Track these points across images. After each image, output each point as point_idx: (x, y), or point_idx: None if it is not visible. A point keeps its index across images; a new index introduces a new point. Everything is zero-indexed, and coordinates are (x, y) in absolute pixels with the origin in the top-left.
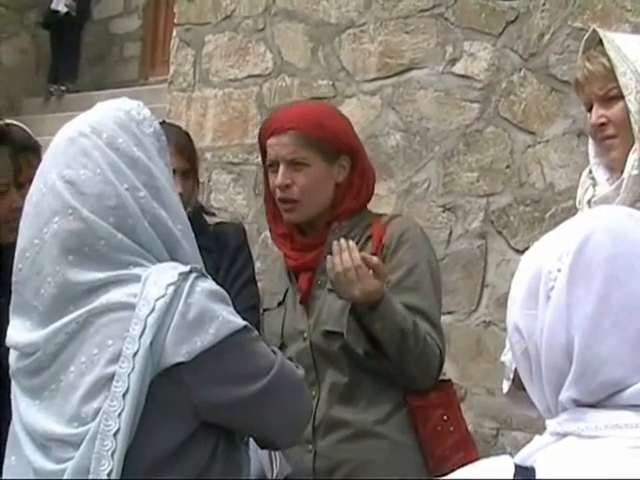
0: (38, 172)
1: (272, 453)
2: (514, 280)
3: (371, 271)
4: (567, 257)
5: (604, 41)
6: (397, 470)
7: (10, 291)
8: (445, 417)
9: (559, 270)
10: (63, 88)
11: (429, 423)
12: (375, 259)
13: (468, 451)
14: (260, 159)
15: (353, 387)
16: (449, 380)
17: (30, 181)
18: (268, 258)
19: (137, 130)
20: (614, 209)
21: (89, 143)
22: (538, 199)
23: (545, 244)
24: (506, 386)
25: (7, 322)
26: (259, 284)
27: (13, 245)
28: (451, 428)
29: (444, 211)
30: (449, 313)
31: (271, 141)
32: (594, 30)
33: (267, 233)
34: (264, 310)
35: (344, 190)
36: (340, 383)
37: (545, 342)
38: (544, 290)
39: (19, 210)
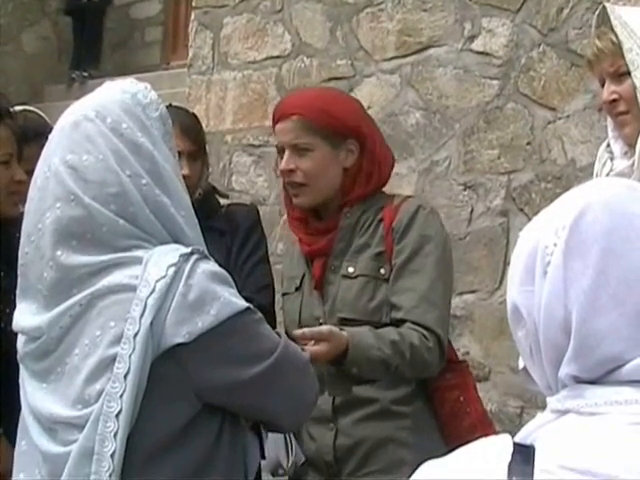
0: (43, 155)
1: (288, 442)
2: (512, 257)
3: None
4: (563, 231)
5: (611, 17)
6: (417, 449)
7: (9, 265)
8: (461, 398)
9: (555, 245)
10: (85, 74)
11: (446, 405)
12: (307, 331)
13: (485, 432)
14: None
15: None
16: (464, 361)
17: None
18: (290, 240)
19: (142, 115)
20: (612, 181)
21: (93, 128)
22: (560, 175)
23: (542, 219)
24: (522, 363)
25: (7, 293)
26: (279, 266)
27: (15, 220)
28: (467, 409)
29: (465, 189)
30: (472, 292)
31: (277, 127)
32: (604, 6)
33: None
34: (283, 294)
35: (354, 175)
36: None
37: (543, 318)
38: (541, 265)
39: (22, 183)
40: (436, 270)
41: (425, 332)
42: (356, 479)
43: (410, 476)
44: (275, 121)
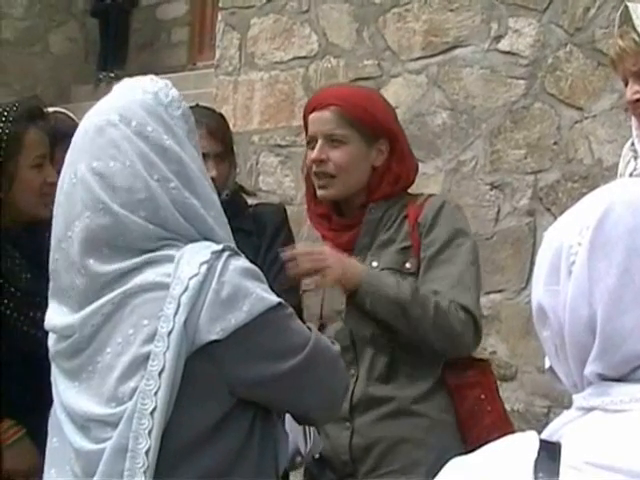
0: (67, 159)
1: (306, 429)
2: (537, 257)
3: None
4: (587, 231)
5: (633, 17)
6: (433, 449)
7: (38, 268)
8: (482, 396)
9: (580, 244)
10: (112, 75)
11: (466, 402)
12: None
13: (505, 431)
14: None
15: (392, 365)
16: (487, 360)
17: None
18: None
19: (165, 114)
20: (633, 181)
21: (118, 133)
22: (586, 175)
23: (566, 219)
24: (548, 362)
25: (33, 296)
26: None
27: (46, 222)
28: (488, 408)
29: (492, 189)
30: (499, 291)
31: (312, 116)
32: (626, 5)
33: None
34: (303, 291)
35: (381, 174)
36: (379, 361)
37: (568, 317)
38: (565, 265)
39: (54, 185)
40: (468, 258)
41: (459, 307)
42: (372, 479)
43: (434, 476)
44: (310, 110)
